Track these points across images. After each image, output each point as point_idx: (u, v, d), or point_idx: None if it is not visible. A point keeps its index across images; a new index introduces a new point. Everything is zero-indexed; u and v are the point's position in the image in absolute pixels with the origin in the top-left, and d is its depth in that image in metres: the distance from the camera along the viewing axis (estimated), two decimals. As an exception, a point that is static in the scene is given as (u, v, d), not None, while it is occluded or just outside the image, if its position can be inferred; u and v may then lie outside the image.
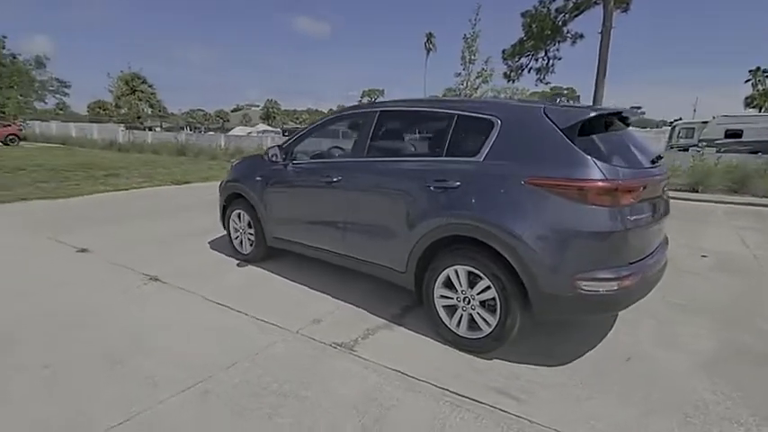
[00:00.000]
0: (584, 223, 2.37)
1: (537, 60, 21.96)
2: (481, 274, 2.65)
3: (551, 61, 21.60)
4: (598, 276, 2.38)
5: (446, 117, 2.98)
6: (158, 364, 2.62)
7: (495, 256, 2.57)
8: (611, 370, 2.64)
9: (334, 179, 3.47)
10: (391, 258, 3.15)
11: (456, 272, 2.77)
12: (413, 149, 3.32)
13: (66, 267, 4.36)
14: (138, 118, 42.76)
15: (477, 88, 14.24)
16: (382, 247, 3.21)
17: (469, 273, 2.72)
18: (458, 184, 2.75)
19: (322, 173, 3.60)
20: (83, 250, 4.88)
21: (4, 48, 50.59)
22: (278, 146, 4.08)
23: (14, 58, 50.60)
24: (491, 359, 2.72)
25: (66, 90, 50.30)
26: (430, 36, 65.59)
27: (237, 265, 4.50)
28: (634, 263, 2.51)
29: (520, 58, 22.14)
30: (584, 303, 2.44)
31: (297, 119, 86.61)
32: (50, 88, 53.08)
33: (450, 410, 2.23)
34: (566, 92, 74.15)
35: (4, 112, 39.65)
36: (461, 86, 14.38)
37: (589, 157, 2.39)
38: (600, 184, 2.34)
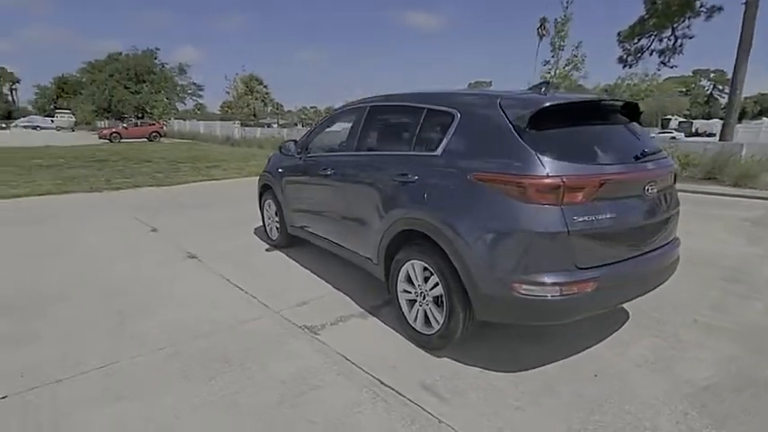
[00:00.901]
0: (523, 222, 2.21)
1: (661, 41, 19.52)
2: (432, 270, 2.62)
3: (680, 41, 19.01)
4: (538, 280, 2.21)
5: (418, 111, 2.96)
6: (155, 326, 3.07)
7: (442, 252, 2.52)
8: (566, 385, 2.42)
9: (329, 172, 3.65)
10: (367, 249, 3.24)
11: (413, 266, 2.77)
12: (390, 144, 3.35)
13: (134, 242, 5.21)
14: (254, 116, 47.41)
15: (566, 76, 13.10)
16: (362, 238, 3.31)
17: (424, 268, 2.71)
18: (416, 178, 2.74)
19: (322, 166, 3.80)
20: (154, 230, 5.76)
21: (156, 58, 59.73)
22: (293, 140, 4.39)
23: (163, 66, 59.44)
24: (441, 357, 2.68)
25: (200, 92, 57.89)
26: (543, 21, 61.67)
27: (266, 249, 4.93)
28: (588, 269, 2.27)
29: (639, 40, 19.87)
30: (524, 308, 2.28)
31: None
32: (189, 91, 61.33)
33: (369, 399, 2.28)
34: (713, 75, 64.17)
35: (152, 113, 46.96)
36: (548, 75, 13.37)
37: (533, 152, 2.23)
38: (540, 180, 2.17)
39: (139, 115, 46.47)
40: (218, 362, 2.61)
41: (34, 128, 55.44)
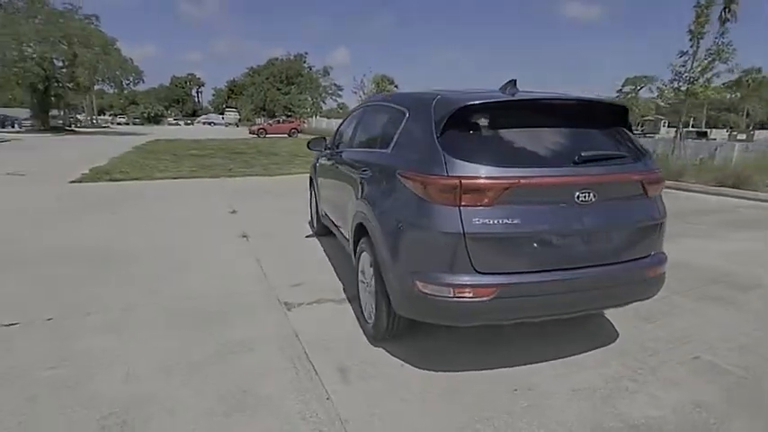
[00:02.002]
0: (423, 220, 2.23)
1: None
2: (371, 263, 2.76)
3: None
4: (435, 279, 2.21)
5: (390, 110, 3.07)
6: (176, 285, 3.76)
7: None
8: (475, 392, 2.34)
9: (334, 166, 3.97)
10: (348, 238, 3.47)
11: (364, 258, 2.93)
12: (368, 140, 3.47)
13: (211, 219, 6.23)
14: (383, 114, 49.54)
15: (705, 69, 10.93)
16: (345, 229, 3.55)
17: (370, 261, 2.85)
18: (370, 174, 2.89)
19: (332, 160, 4.14)
20: (233, 212, 6.76)
21: (304, 62, 66.46)
22: (323, 137, 4.79)
23: (310, 69, 65.89)
24: (377, 347, 2.79)
25: (340, 93, 62.89)
26: (729, 3, 52.22)
27: (306, 236, 5.46)
28: (489, 274, 2.18)
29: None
30: (426, 306, 2.28)
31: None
32: (329, 92, 66.91)
33: (284, 369, 2.54)
34: None
35: (297, 112, 52.40)
36: (681, 68, 11.29)
37: (441, 151, 2.22)
38: (439, 180, 2.16)
39: (288, 114, 52.29)
40: (194, 321, 3.12)
41: (209, 123, 66.67)
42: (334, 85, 64.05)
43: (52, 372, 2.46)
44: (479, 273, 2.18)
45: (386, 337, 2.76)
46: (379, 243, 2.50)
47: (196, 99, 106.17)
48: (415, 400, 2.27)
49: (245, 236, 5.38)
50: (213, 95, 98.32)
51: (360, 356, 2.68)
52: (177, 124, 69.58)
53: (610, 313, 3.25)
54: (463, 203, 2.14)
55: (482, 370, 2.55)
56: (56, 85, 33.45)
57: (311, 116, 53.00)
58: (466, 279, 2.17)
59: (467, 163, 2.17)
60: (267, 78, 60.85)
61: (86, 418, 2.08)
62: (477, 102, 2.30)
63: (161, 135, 29.58)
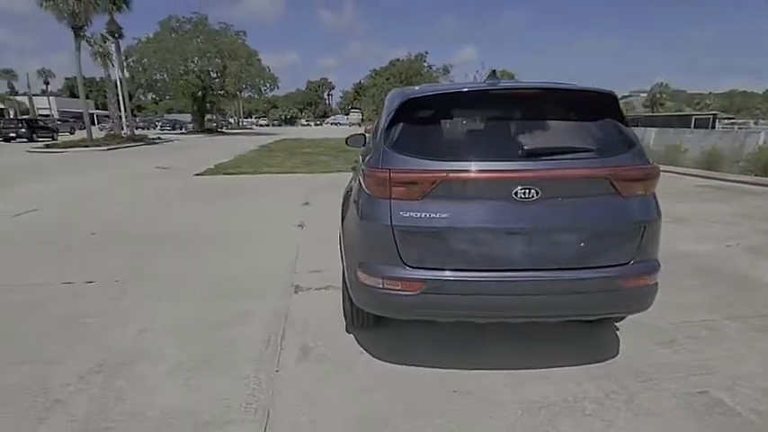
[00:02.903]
0: (362, 212, 2.28)
1: None
2: None
3: None
4: (371, 271, 2.25)
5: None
6: (222, 265, 4.34)
7: None
8: (409, 388, 2.33)
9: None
10: None
11: None
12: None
13: (283, 209, 6.89)
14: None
15: None
16: None
17: None
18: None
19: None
20: (306, 204, 7.37)
21: (424, 61, 67.22)
22: (362, 134, 4.98)
23: (429, 68, 66.47)
24: (349, 333, 2.91)
25: (458, 90, 62.30)
26: None
27: (355, 228, 5.74)
28: (417, 268, 2.15)
29: None
30: (366, 297, 2.32)
31: (697, 104, 69.33)
32: (449, 90, 66.23)
33: (257, 342, 2.81)
34: None
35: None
36: None
37: (383, 144, 2.26)
38: (375, 171, 2.20)
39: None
40: (218, 294, 3.59)
41: (335, 123, 71.78)
42: (451, 82, 63.35)
43: (93, 320, 3.10)
44: (409, 266, 2.17)
45: (356, 326, 2.86)
46: (340, 235, 2.63)
47: (327, 101, 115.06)
48: (353, 387, 2.35)
49: (301, 225, 5.87)
50: (341, 98, 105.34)
51: (327, 340, 2.83)
52: (308, 125, 76.39)
53: (624, 330, 2.87)
54: (394, 196, 2.15)
55: (437, 368, 2.51)
56: (210, 93, 39.26)
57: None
58: (395, 272, 2.18)
59: (402, 156, 2.17)
60: (387, 79, 63.02)
61: (91, 356, 2.62)
62: (421, 95, 2.28)
63: (289, 135, 32.91)
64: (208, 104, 41.23)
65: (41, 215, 6.54)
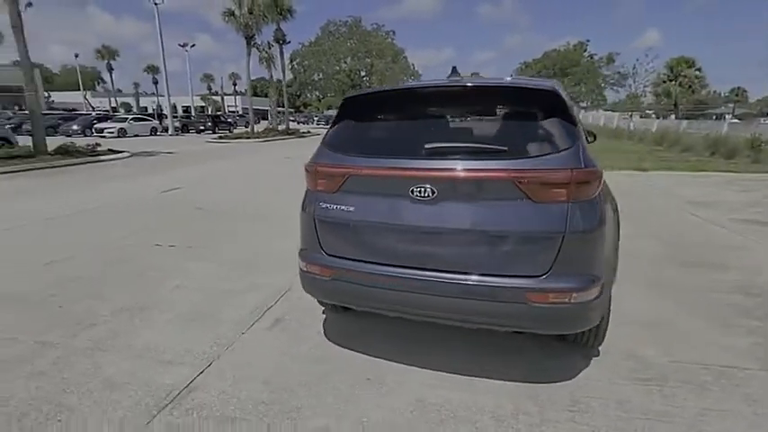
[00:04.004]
0: (302, 203, 2.50)
1: None
2: None
3: None
4: (302, 256, 2.48)
5: None
6: (270, 245, 4.98)
7: None
8: (337, 367, 2.50)
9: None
10: None
11: None
12: None
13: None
14: (675, 106, 40.97)
15: None
16: None
17: None
18: None
19: None
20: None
21: (585, 50, 61.49)
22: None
23: (591, 57, 60.56)
24: (325, 314, 3.17)
25: (623, 82, 55.55)
26: None
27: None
28: (331, 256, 2.30)
29: None
30: (303, 281, 2.53)
31: None
32: (611, 81, 59.88)
33: (254, 307, 3.27)
34: None
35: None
36: None
37: (322, 140, 2.46)
38: (308, 166, 2.42)
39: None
40: (250, 267, 4.19)
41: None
42: (618, 73, 56.89)
43: (153, 274, 3.97)
44: (327, 254, 2.34)
45: (329, 309, 3.09)
46: None
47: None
48: (289, 358, 2.63)
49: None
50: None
51: (301, 318, 3.13)
52: (453, 120, 76.41)
53: (605, 358, 2.54)
54: (318, 189, 2.35)
55: (373, 357, 2.61)
56: (358, 89, 42.38)
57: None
58: (316, 258, 2.39)
59: (328, 151, 2.35)
60: (539, 72, 59.20)
61: (132, 300, 3.41)
62: (357, 94, 2.40)
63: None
64: (355, 100, 44.56)
65: (179, 192, 8.23)
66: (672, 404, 2.16)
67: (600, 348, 2.64)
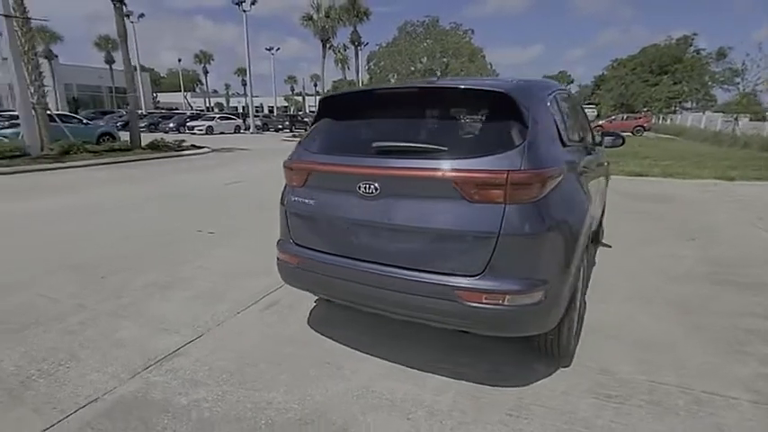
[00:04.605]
0: (281, 197, 2.73)
1: None
2: None
3: None
4: (278, 245, 2.70)
5: None
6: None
7: None
8: (311, 349, 2.68)
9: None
10: None
11: None
12: None
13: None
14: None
15: None
16: None
17: None
18: None
19: None
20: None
21: (690, 45, 55.71)
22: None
23: (697, 53, 54.77)
24: (316, 301, 3.38)
25: (736, 79, 49.28)
26: None
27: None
28: (298, 245, 2.48)
29: None
30: (278, 267, 2.72)
31: None
32: (720, 79, 53.67)
33: (262, 289, 3.58)
34: None
35: (651, 106, 45.08)
36: None
37: (298, 138, 2.65)
38: (286, 163, 2.62)
39: (645, 109, 45.97)
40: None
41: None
42: (729, 69, 50.66)
43: (189, 257, 4.46)
44: (295, 244, 2.54)
45: (321, 298, 3.30)
46: None
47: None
48: (267, 338, 2.87)
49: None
50: (577, 93, 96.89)
51: (295, 302, 3.36)
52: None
53: (578, 369, 2.45)
54: (291, 184, 2.56)
55: (343, 345, 2.76)
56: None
57: (675, 111, 44.36)
58: (286, 247, 2.60)
59: (302, 149, 2.54)
60: (633, 69, 54.59)
61: (161, 277, 3.89)
62: (331, 95, 2.56)
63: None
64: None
65: (240, 185, 8.97)
66: (620, 422, 2.05)
67: (575, 361, 2.55)
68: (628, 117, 34.01)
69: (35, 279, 3.82)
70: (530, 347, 2.57)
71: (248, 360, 2.59)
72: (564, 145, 2.42)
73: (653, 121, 34.63)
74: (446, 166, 1.99)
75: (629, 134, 29.66)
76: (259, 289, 3.62)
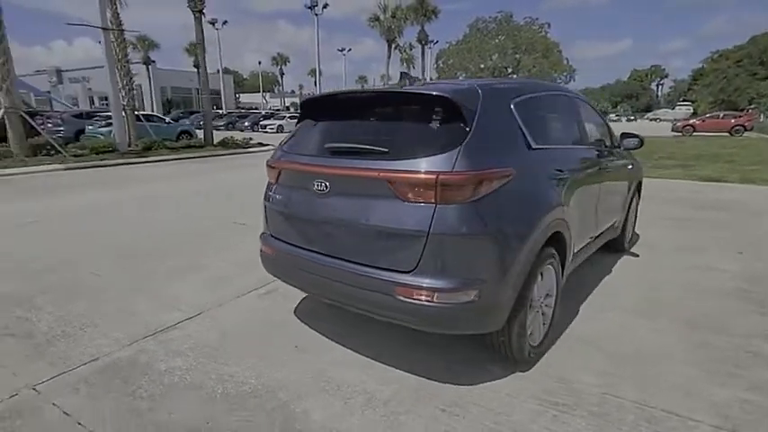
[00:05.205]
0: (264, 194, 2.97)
1: None
2: None
3: None
4: (261, 237, 2.95)
5: None
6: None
7: None
8: (286, 336, 2.91)
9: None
10: None
11: None
12: None
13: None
14: None
15: None
16: None
17: None
18: None
19: None
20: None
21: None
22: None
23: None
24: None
25: None
26: None
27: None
28: (274, 238, 2.71)
29: None
30: (260, 258, 2.98)
31: None
32: None
33: (263, 280, 3.89)
34: None
35: (758, 103, 39.88)
36: None
37: (283, 138, 2.88)
38: (268, 161, 2.86)
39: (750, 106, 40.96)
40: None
41: (655, 119, 60.84)
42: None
43: (218, 243, 4.92)
44: (271, 236, 2.78)
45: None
46: None
47: (656, 93, 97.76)
48: (255, 320, 3.15)
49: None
50: (671, 89, 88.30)
51: (291, 292, 3.59)
52: (618, 120, 67.91)
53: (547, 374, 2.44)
54: (271, 180, 2.79)
55: (320, 334, 2.95)
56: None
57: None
58: (265, 239, 2.85)
59: (279, 150, 2.77)
60: (738, 62, 48.74)
61: (188, 262, 4.35)
62: (311, 98, 2.76)
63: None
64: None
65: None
66: (555, 429, 2.02)
67: (536, 367, 2.52)
68: (725, 115, 30.37)
69: (89, 258, 4.47)
70: (489, 349, 2.57)
71: (231, 339, 2.87)
72: (530, 147, 2.40)
73: (761, 119, 30.63)
74: (381, 167, 2.10)
75: (726, 134, 26.63)
76: (264, 277, 3.91)
